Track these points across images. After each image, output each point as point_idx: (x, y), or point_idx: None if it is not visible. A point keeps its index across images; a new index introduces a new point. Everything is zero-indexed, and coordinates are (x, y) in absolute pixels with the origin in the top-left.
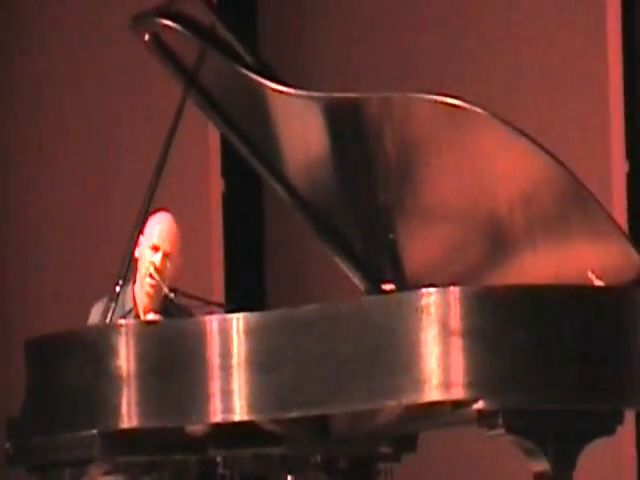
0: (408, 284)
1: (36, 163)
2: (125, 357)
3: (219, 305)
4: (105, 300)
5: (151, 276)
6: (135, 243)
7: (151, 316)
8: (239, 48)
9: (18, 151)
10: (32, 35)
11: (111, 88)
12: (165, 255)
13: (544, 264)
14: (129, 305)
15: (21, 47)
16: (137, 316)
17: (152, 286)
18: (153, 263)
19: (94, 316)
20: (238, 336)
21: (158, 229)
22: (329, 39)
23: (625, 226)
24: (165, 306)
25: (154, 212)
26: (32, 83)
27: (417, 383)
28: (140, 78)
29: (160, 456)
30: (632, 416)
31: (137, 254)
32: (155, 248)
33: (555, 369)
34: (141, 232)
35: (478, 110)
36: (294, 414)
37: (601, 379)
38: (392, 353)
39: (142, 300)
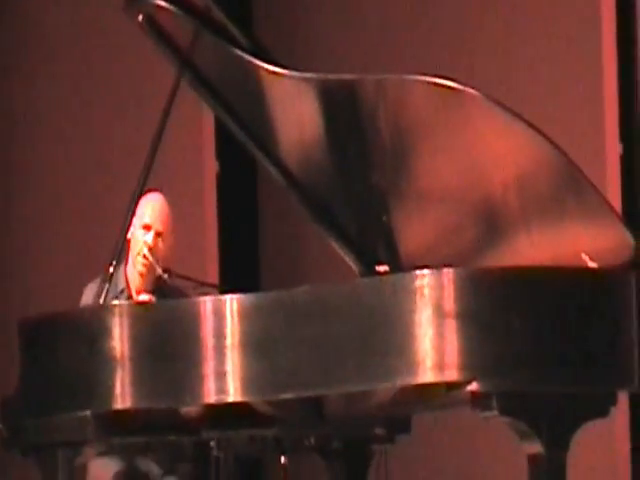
0: (402, 266)
1: (32, 147)
2: (119, 338)
3: (213, 286)
4: (98, 281)
5: (144, 256)
6: (128, 224)
7: (143, 296)
8: (233, 30)
9: (14, 137)
10: (26, 19)
11: (105, 69)
12: (157, 234)
13: (538, 246)
14: (121, 285)
15: (16, 29)
16: (129, 296)
17: (145, 265)
18: (146, 242)
19: (87, 297)
20: (232, 317)
21: (149, 208)
22: (325, 23)
23: (619, 208)
24: (158, 287)
25: (146, 193)
26: (28, 65)
27: (411, 365)
28: (134, 59)
29: (154, 437)
30: (626, 398)
31: (129, 235)
32: (147, 227)
33: (549, 351)
34: (134, 213)
35: (472, 92)
36: (288, 395)
37: (595, 361)
38: (386, 335)
39: (134, 280)
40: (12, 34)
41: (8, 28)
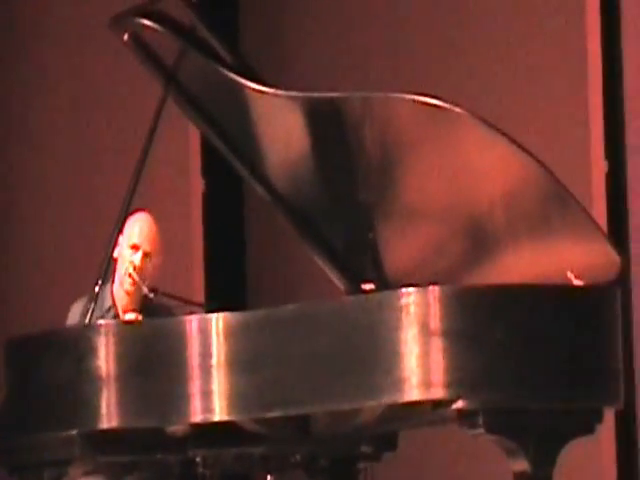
0: (388, 284)
1: (15, 166)
2: (105, 357)
3: (199, 305)
4: (84, 299)
5: (130, 276)
6: (115, 243)
7: (130, 315)
8: (219, 48)
9: (7, 152)
10: (17, 34)
11: (91, 88)
12: (145, 254)
13: (524, 264)
14: (108, 304)
15: (12, 35)
16: (116, 315)
17: (132, 285)
18: (132, 262)
19: (73, 316)
20: (218, 336)
21: (137, 228)
22: (311, 37)
23: (604, 226)
24: (145, 306)
25: (133, 212)
26: (16, 83)
27: (397, 383)
28: (120, 77)
29: (140, 456)
30: (612, 415)
31: (116, 254)
32: (135, 247)
33: (535, 368)
34: (120, 232)
35: (458, 110)
36: (274, 414)
37: (581, 378)
38: (372, 353)
39: (121, 299)
40: (8, 39)
41: (4, 31)
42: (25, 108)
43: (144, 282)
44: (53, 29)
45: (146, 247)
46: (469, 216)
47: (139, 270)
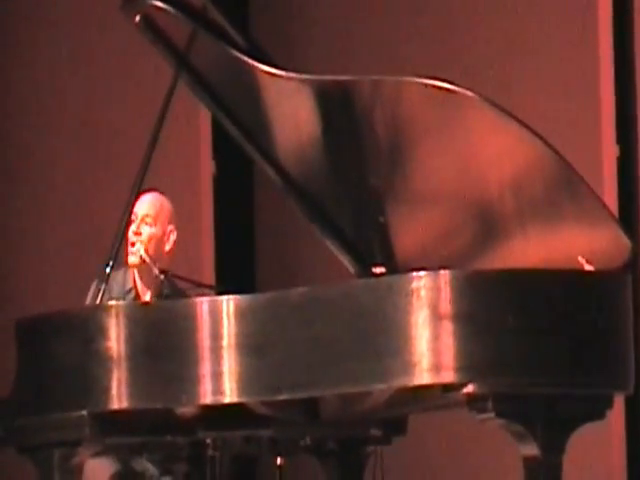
0: (399, 267)
1: (29, 148)
2: (115, 338)
3: (209, 287)
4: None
5: (133, 244)
6: (126, 225)
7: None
8: (230, 30)
9: (11, 137)
10: (26, 18)
11: (102, 70)
12: (142, 220)
13: (534, 248)
14: (129, 285)
15: (16, 29)
16: (137, 297)
17: (133, 254)
18: (132, 231)
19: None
20: (228, 318)
21: (138, 202)
22: (321, 21)
23: (615, 210)
24: (163, 290)
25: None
26: (26, 65)
27: (407, 366)
28: (131, 59)
29: (150, 437)
30: (622, 401)
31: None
32: (135, 217)
33: (545, 353)
34: (130, 213)
35: (469, 93)
36: (283, 396)
37: (591, 363)
38: (382, 336)
39: (140, 280)
40: (9, 35)
41: (5, 29)
42: (33, 87)
43: (154, 263)
44: (58, 14)
45: (142, 211)
46: (479, 200)
47: (136, 234)
